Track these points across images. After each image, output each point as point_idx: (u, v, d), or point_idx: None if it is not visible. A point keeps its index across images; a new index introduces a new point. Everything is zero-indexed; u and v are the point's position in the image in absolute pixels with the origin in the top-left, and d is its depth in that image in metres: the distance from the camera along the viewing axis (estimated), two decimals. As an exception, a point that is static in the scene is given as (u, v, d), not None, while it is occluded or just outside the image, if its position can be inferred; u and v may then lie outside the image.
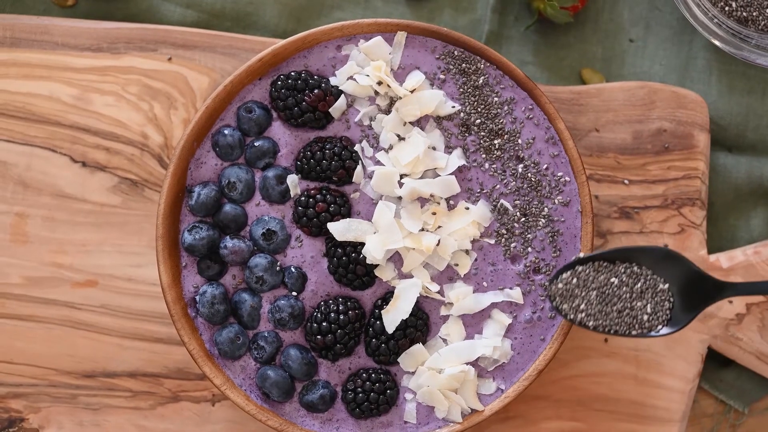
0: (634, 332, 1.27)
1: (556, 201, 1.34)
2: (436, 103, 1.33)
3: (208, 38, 1.45)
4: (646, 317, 1.27)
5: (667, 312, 1.27)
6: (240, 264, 1.34)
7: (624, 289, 1.27)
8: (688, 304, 1.27)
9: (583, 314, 1.27)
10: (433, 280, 1.34)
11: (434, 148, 1.34)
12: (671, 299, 1.26)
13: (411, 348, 1.33)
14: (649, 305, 1.27)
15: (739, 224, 1.50)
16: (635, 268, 1.27)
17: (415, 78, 1.34)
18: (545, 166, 1.34)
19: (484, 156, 1.34)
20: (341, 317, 1.32)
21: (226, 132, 1.34)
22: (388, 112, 1.35)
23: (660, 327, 1.27)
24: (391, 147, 1.34)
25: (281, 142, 1.35)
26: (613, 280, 1.27)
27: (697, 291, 1.27)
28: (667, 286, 1.26)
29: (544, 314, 1.33)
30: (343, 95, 1.35)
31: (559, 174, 1.34)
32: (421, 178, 1.33)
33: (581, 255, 1.30)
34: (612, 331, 1.27)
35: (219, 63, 1.45)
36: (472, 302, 1.33)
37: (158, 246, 1.32)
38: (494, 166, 1.34)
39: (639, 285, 1.27)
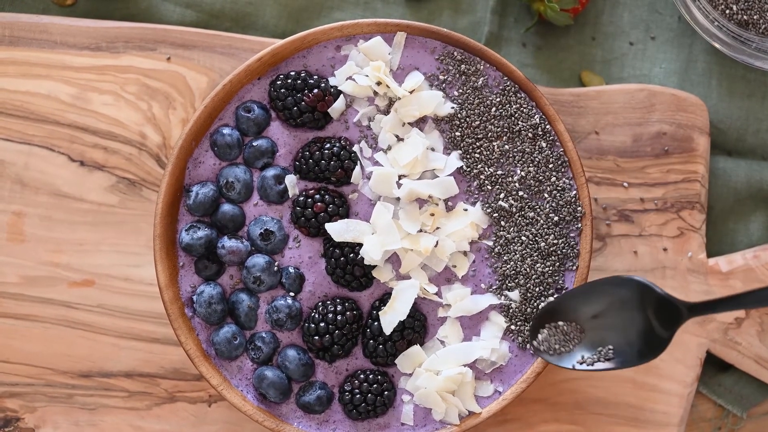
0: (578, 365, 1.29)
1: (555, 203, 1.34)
2: (435, 104, 1.33)
3: (207, 38, 1.45)
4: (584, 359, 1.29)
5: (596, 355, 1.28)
6: (237, 264, 1.34)
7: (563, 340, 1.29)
8: (665, 325, 1.25)
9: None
10: (431, 282, 1.33)
11: (433, 149, 1.34)
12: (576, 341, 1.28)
13: (408, 349, 1.32)
14: (583, 353, 1.29)
15: (738, 228, 1.50)
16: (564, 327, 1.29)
17: (415, 79, 1.34)
18: (544, 168, 1.34)
19: (482, 157, 1.34)
20: (339, 318, 1.31)
21: (224, 131, 1.34)
22: (387, 112, 1.34)
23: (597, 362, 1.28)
24: (389, 147, 1.34)
25: (280, 142, 1.35)
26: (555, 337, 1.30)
27: (667, 313, 1.24)
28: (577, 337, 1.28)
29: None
30: (342, 95, 1.34)
31: (559, 176, 1.34)
32: (420, 179, 1.33)
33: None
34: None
35: (218, 63, 1.45)
36: (470, 304, 1.32)
37: (156, 245, 1.32)
38: (493, 167, 1.34)
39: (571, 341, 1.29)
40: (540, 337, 1.30)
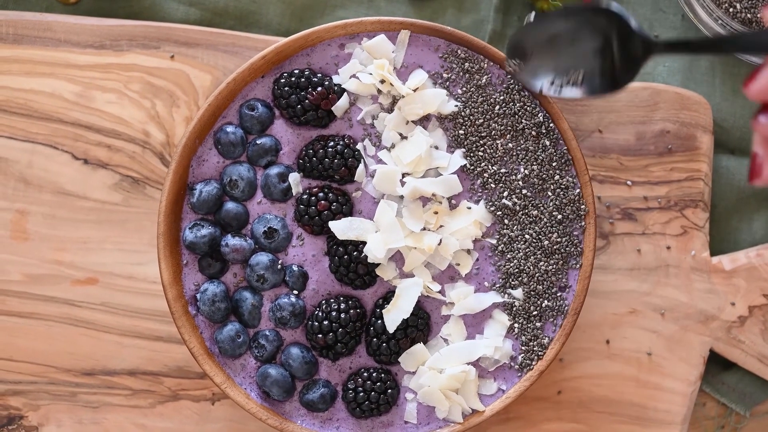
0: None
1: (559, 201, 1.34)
2: (438, 102, 1.33)
3: (210, 36, 1.45)
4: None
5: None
6: (241, 262, 1.34)
7: None
8: (629, 64, 1.22)
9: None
10: (435, 280, 1.33)
11: (436, 147, 1.34)
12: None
13: (412, 348, 1.32)
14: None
15: (741, 226, 1.49)
16: None
17: (418, 77, 1.34)
18: (548, 166, 1.34)
19: (486, 155, 1.34)
20: (342, 316, 1.31)
21: (228, 130, 1.34)
22: (390, 110, 1.34)
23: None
24: (393, 146, 1.34)
25: (283, 140, 1.35)
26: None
27: (633, 49, 1.21)
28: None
29: (545, 315, 1.33)
30: (345, 93, 1.34)
31: (562, 174, 1.34)
32: (423, 177, 1.33)
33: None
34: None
35: (221, 61, 1.45)
36: (473, 302, 1.32)
37: (159, 243, 1.32)
38: (496, 165, 1.34)
39: None
40: (515, 60, 1.29)
